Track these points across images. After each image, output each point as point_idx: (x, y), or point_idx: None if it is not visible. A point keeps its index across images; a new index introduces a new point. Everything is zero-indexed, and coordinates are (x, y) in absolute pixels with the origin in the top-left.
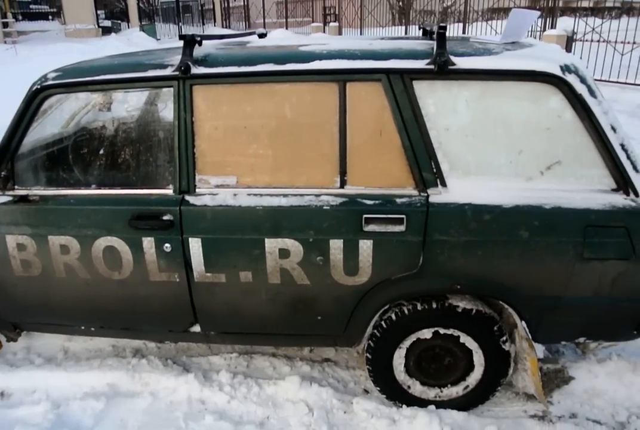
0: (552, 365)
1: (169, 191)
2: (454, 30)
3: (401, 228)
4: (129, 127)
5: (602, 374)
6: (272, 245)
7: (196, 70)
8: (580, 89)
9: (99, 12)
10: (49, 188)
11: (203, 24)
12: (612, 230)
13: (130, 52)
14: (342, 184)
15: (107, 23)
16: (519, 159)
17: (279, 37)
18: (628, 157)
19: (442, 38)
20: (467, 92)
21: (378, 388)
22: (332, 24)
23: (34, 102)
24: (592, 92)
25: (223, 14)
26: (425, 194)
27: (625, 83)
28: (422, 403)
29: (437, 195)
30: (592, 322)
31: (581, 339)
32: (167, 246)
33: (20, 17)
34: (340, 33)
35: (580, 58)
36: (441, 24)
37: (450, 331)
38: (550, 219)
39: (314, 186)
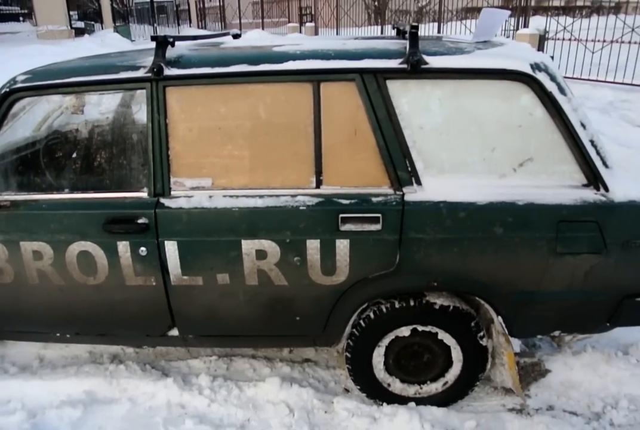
0: (528, 359)
1: (143, 194)
2: (429, 29)
3: (377, 227)
4: (102, 129)
5: (578, 366)
6: (248, 246)
7: (169, 71)
8: (550, 86)
9: (71, 13)
10: (20, 193)
11: (178, 24)
12: (584, 225)
13: (103, 54)
14: (318, 184)
15: (80, 24)
16: (492, 157)
17: (254, 38)
18: (597, 153)
19: (414, 37)
20: (440, 91)
21: (358, 387)
22: (308, 24)
23: (3, 105)
24: (561, 90)
25: (199, 15)
26: (401, 193)
27: (597, 80)
28: (402, 400)
29: (413, 194)
30: (567, 316)
31: (556, 332)
32: (143, 250)
33: None
34: (316, 33)
35: (553, 56)
36: (413, 24)
37: (428, 328)
38: (524, 215)
39: (289, 187)
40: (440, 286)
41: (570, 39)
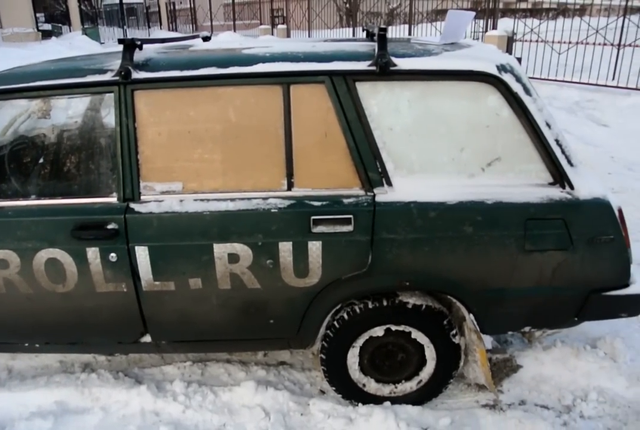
0: (500, 355)
1: (112, 199)
2: (400, 31)
3: (349, 228)
4: (70, 134)
5: (548, 360)
6: (221, 250)
7: (137, 75)
8: (516, 87)
9: (38, 15)
10: None
11: (149, 26)
12: (551, 223)
13: (69, 57)
14: (289, 186)
15: (48, 26)
16: (461, 157)
17: (226, 40)
18: (563, 152)
19: (382, 40)
20: (409, 92)
21: (334, 388)
22: (280, 26)
23: None
24: (527, 91)
25: (169, 17)
26: (372, 194)
27: (563, 81)
28: (377, 400)
29: (383, 195)
30: (536, 312)
31: (527, 328)
32: (113, 256)
33: None
34: (288, 35)
35: (521, 58)
36: (382, 27)
37: (401, 328)
38: (493, 214)
39: (261, 189)
40: (412, 285)
41: (537, 41)
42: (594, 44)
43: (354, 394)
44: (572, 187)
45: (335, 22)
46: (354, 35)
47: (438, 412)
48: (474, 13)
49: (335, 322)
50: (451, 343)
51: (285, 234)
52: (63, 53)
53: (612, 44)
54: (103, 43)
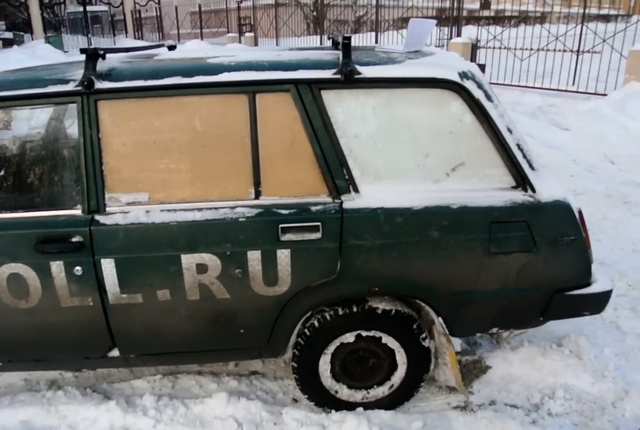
0: (470, 357)
1: (77, 211)
2: (367, 38)
3: (317, 235)
4: (32, 145)
5: (516, 360)
6: (188, 261)
7: (100, 85)
8: (478, 94)
9: None
10: None
11: (114, 35)
12: (514, 225)
13: (30, 67)
14: (257, 195)
15: (9, 35)
16: (426, 162)
17: (192, 49)
18: (524, 156)
19: (347, 48)
20: (374, 100)
21: (306, 396)
22: (247, 34)
23: None
24: (488, 97)
25: (135, 25)
26: (339, 201)
27: (526, 86)
28: (350, 406)
29: (351, 201)
30: (503, 313)
31: (494, 329)
32: (78, 269)
33: None
34: (256, 43)
35: (485, 64)
36: (346, 35)
37: (372, 333)
38: (458, 218)
39: (228, 199)
40: (381, 291)
41: (500, 48)
42: (554, 50)
43: (326, 401)
44: (534, 190)
45: (302, 30)
46: (321, 43)
47: (410, 415)
48: (435, 21)
49: (306, 330)
50: (421, 347)
51: (253, 243)
52: (25, 62)
53: (571, 51)
54: (67, 51)
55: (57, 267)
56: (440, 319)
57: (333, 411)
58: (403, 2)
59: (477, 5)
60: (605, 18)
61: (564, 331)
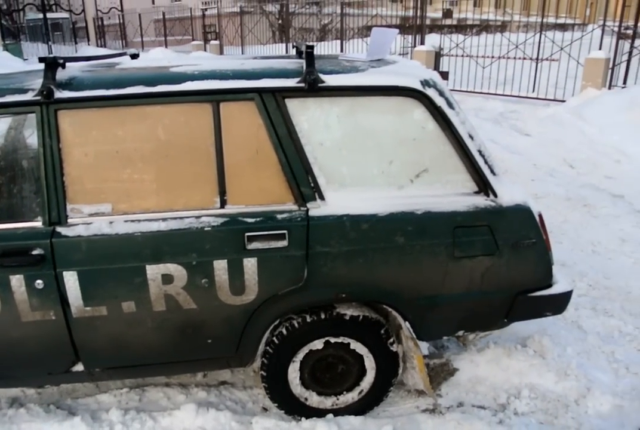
0: (437, 360)
1: (37, 223)
2: (332, 46)
3: (284, 243)
4: None
5: (483, 362)
6: (154, 271)
7: (60, 94)
8: (440, 101)
9: None
10: None
11: (76, 42)
12: (477, 229)
13: None
14: (223, 204)
15: None
16: (390, 169)
17: (155, 58)
18: (486, 162)
19: (310, 57)
20: (337, 108)
21: (276, 404)
22: (213, 42)
23: None
24: (450, 104)
25: (97, 33)
26: (305, 208)
27: (488, 93)
28: (320, 413)
29: (317, 209)
30: (468, 316)
31: (460, 332)
32: (39, 283)
33: None
34: (221, 51)
35: (448, 71)
36: (309, 44)
37: (340, 339)
38: (423, 224)
39: (193, 208)
40: (348, 297)
41: (463, 55)
42: (514, 58)
43: (296, 409)
44: (495, 195)
45: (268, 38)
46: (287, 51)
47: (380, 420)
48: (397, 30)
49: (274, 338)
50: (389, 351)
51: (219, 252)
52: None
53: (531, 58)
54: (26, 59)
55: (17, 281)
56: (407, 323)
57: (303, 419)
58: (367, 10)
59: (439, 14)
60: (563, 27)
61: (528, 332)
